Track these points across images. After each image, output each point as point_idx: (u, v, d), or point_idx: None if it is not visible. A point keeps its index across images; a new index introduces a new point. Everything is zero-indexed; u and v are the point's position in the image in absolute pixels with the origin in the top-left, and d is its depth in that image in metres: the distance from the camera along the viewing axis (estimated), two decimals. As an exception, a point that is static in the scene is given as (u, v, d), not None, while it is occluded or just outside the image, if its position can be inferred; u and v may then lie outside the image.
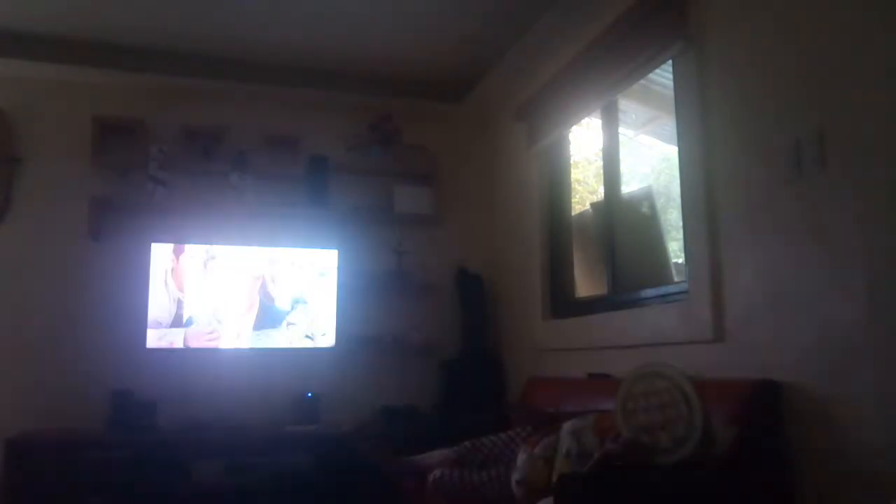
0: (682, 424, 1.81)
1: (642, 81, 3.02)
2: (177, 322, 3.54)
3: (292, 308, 3.71)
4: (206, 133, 3.82)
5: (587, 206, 3.83)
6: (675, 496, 1.78)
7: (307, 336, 3.71)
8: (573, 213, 3.63)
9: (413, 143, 4.11)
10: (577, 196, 4.17)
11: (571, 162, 3.76)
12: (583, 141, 4.20)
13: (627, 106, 3.76)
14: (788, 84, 2.02)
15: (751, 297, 2.13)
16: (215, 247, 3.66)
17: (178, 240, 3.64)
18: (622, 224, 3.11)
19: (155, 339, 3.50)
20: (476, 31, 3.50)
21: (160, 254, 3.55)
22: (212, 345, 3.59)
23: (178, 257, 3.59)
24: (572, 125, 3.43)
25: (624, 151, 3.32)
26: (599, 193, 4.14)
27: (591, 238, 3.50)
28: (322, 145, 3.97)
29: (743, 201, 2.19)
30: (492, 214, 4.26)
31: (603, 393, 2.48)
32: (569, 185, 3.65)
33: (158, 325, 3.51)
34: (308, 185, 3.87)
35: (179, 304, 3.56)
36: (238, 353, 3.65)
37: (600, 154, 3.35)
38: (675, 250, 3.44)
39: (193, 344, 3.56)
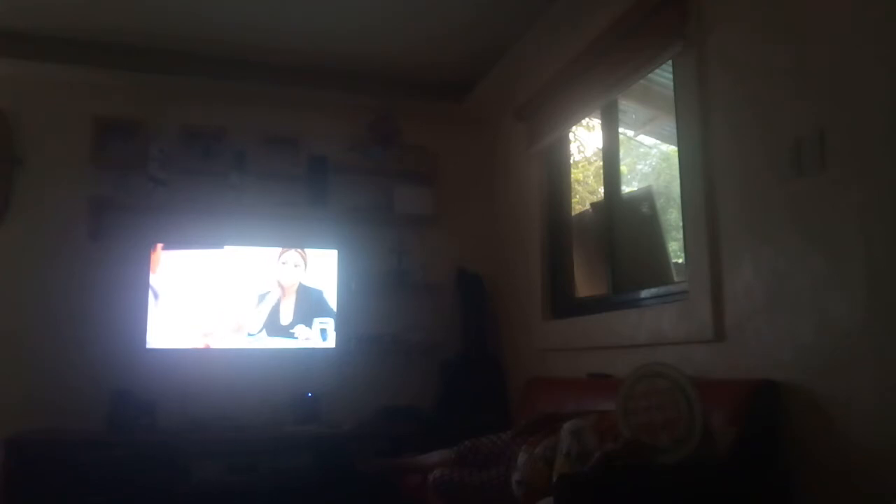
0: (682, 424, 1.81)
1: (642, 81, 3.02)
2: (178, 322, 3.55)
3: (294, 312, 3.71)
4: (206, 133, 3.82)
5: (587, 206, 3.83)
6: (675, 496, 1.78)
7: (307, 336, 3.71)
8: (573, 213, 3.63)
9: (413, 143, 4.11)
10: (577, 196, 4.17)
11: (571, 162, 3.76)
12: (583, 141, 4.21)
13: (627, 106, 3.76)
14: (788, 84, 2.02)
15: (751, 297, 2.13)
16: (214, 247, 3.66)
17: (178, 240, 3.65)
18: (622, 224, 3.11)
19: (155, 338, 3.51)
20: (476, 31, 3.50)
21: (158, 254, 3.56)
22: (211, 345, 3.59)
23: (177, 257, 3.60)
24: (572, 125, 3.43)
25: (624, 151, 3.33)
26: (599, 193, 4.15)
27: (591, 238, 3.50)
28: (322, 145, 3.97)
29: (743, 201, 2.19)
30: (492, 214, 4.26)
31: (603, 393, 2.48)
32: (569, 185, 3.65)
33: (159, 324, 3.52)
34: (308, 185, 3.87)
35: (179, 303, 3.56)
36: (238, 353, 3.65)
37: (600, 154, 3.35)
38: (675, 250, 3.44)
39: (193, 344, 3.56)
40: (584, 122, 3.49)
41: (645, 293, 2.82)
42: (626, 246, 3.09)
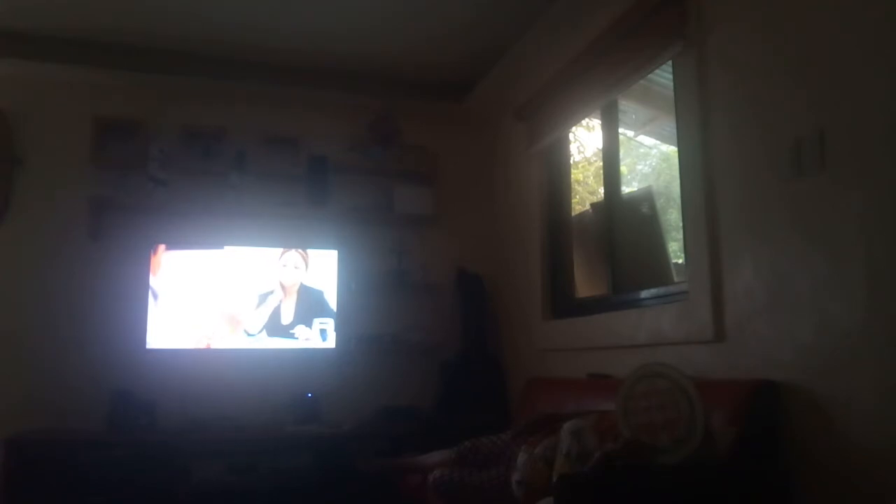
0: (682, 425, 1.81)
1: (642, 81, 3.01)
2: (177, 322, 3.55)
3: (295, 312, 3.71)
4: (206, 133, 3.82)
5: (587, 207, 3.83)
6: (675, 496, 1.78)
7: (307, 336, 3.71)
8: (573, 213, 3.63)
9: (413, 143, 4.11)
10: (577, 196, 4.17)
11: (571, 162, 3.76)
12: (583, 141, 4.21)
13: (627, 106, 3.76)
14: (788, 84, 2.02)
15: (751, 297, 2.13)
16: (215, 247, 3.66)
17: (178, 240, 3.65)
18: (622, 224, 3.11)
19: (155, 338, 3.51)
20: (476, 31, 3.50)
21: (158, 254, 3.56)
22: (211, 345, 3.59)
23: (177, 257, 3.60)
24: (572, 125, 3.43)
25: (624, 151, 3.32)
26: (599, 193, 4.15)
27: (591, 238, 3.50)
28: (322, 145, 3.97)
29: (743, 201, 2.19)
30: (492, 214, 4.26)
31: (603, 393, 2.48)
32: (569, 185, 3.65)
33: (159, 324, 3.52)
34: (308, 185, 3.87)
35: (179, 304, 3.56)
36: (238, 354, 3.65)
37: (600, 154, 3.35)
38: (675, 250, 3.44)
39: (193, 344, 3.56)
40: (584, 122, 3.49)
41: (645, 293, 2.82)
42: (626, 246, 3.09)
